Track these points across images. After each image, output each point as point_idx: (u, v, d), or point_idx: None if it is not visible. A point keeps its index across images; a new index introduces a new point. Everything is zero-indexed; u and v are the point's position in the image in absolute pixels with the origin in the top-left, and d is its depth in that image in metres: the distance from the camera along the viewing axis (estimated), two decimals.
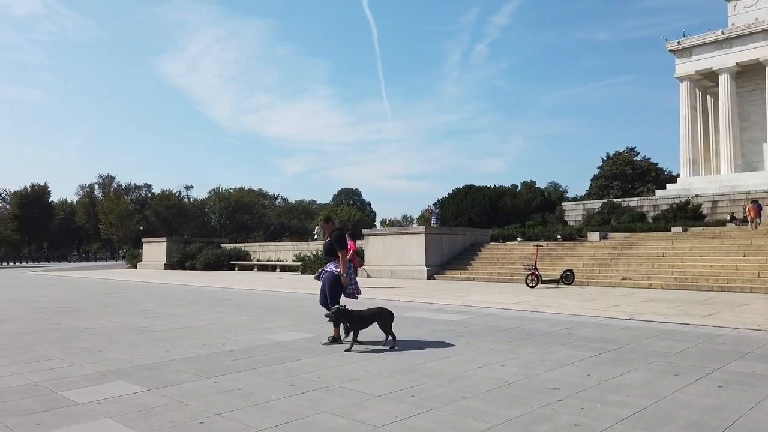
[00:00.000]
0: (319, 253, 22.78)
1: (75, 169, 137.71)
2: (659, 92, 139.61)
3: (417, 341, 7.87)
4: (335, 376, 5.82)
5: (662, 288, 15.81)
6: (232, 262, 33.31)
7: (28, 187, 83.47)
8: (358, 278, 8.51)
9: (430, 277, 21.73)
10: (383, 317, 7.34)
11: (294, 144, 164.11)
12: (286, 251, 32.86)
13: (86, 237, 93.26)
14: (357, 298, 7.99)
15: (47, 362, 6.77)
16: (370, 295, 15.21)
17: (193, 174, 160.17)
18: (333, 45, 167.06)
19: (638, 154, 65.73)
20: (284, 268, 29.79)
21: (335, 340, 7.65)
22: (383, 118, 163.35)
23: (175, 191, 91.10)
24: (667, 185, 43.60)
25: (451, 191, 45.97)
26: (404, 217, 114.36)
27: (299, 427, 4.22)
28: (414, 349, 7.31)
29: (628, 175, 61.40)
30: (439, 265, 22.64)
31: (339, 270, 7.74)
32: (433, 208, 30.04)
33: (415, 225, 68.64)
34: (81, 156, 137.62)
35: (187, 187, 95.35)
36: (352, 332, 7.39)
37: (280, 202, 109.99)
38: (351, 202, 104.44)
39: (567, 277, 17.21)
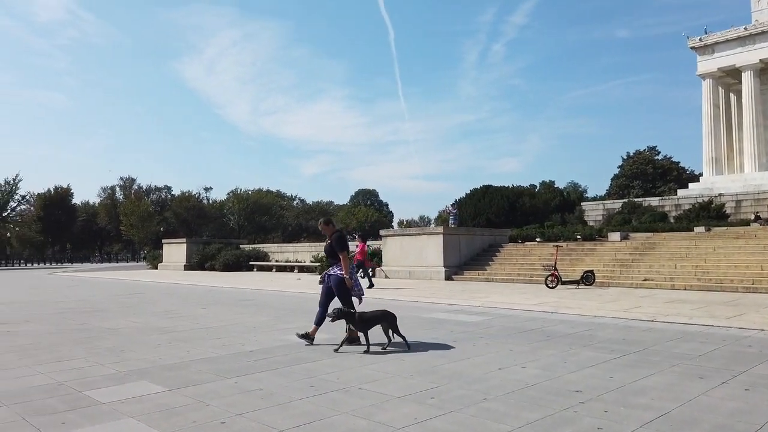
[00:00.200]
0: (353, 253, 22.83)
1: (97, 172, 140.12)
2: (681, 90, 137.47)
3: (436, 342, 7.84)
4: (354, 377, 5.82)
5: (685, 289, 15.56)
6: (250, 263, 33.56)
7: (52, 190, 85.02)
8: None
9: (448, 277, 21.65)
10: (386, 319, 7.29)
11: (311, 145, 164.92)
12: (304, 252, 32.99)
13: (108, 238, 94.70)
14: (361, 299, 7.96)
15: (71, 362, 6.87)
16: (388, 296, 15.22)
17: (212, 175, 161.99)
18: (349, 46, 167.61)
19: (659, 153, 64.89)
20: (302, 269, 29.93)
21: (306, 336, 7.77)
22: (400, 118, 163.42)
23: (194, 193, 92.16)
24: (690, 184, 42.93)
25: (468, 191, 45.76)
26: (421, 218, 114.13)
27: (319, 428, 4.22)
28: (433, 350, 7.28)
29: (649, 175, 60.59)
30: (457, 266, 22.55)
31: (342, 272, 7.72)
32: (450, 208, 29.90)
33: (432, 225, 68.49)
34: (102, 158, 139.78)
35: (206, 189, 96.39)
36: (360, 334, 7.37)
37: (297, 203, 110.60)
38: (368, 202, 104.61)
39: (587, 278, 17.03)
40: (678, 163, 63.66)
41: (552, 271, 16.52)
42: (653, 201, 39.99)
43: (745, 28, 39.17)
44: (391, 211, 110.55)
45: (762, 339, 7.80)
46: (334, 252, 7.81)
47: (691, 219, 30.84)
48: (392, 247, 24.45)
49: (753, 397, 4.85)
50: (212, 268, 34.17)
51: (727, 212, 33.35)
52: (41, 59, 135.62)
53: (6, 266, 61.58)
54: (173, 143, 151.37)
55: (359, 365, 6.39)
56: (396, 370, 6.12)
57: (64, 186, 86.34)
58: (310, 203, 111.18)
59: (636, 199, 41.88)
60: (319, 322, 7.75)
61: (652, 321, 9.68)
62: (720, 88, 42.07)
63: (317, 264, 28.26)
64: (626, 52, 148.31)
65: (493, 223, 37.63)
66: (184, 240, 39.60)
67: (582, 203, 46.07)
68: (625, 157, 64.28)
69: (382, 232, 26.71)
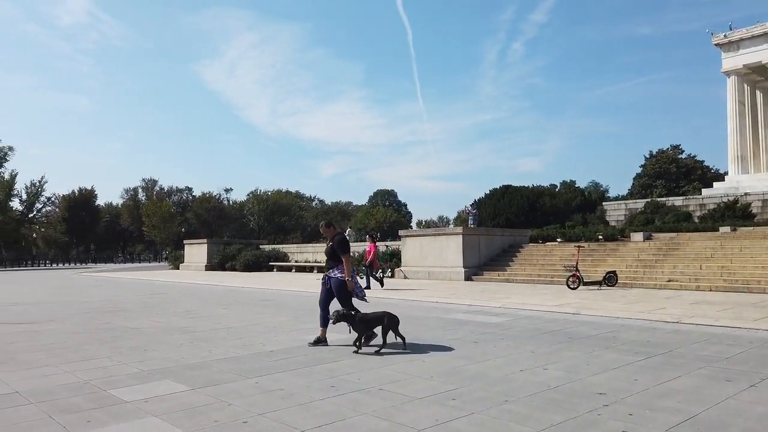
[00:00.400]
0: (356, 255, 22.87)
1: (119, 173, 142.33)
2: (705, 88, 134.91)
3: (456, 343, 7.80)
4: (375, 377, 5.82)
5: (711, 290, 15.28)
6: (270, 263, 33.79)
7: (76, 191, 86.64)
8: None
9: (467, 278, 21.55)
10: (387, 321, 7.26)
11: (329, 146, 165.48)
12: (323, 252, 33.09)
13: (131, 239, 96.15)
14: (366, 300, 7.92)
15: (96, 361, 6.98)
16: (407, 296, 15.20)
17: (232, 177, 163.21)
18: (367, 47, 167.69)
19: (683, 151, 63.70)
20: (322, 270, 29.91)
21: (319, 341, 7.75)
22: (418, 119, 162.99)
23: (215, 194, 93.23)
24: (714, 184, 42.12)
25: (487, 191, 45.48)
26: (440, 218, 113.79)
27: (341, 428, 4.22)
28: (453, 351, 7.25)
29: (673, 174, 59.56)
30: (477, 267, 22.43)
31: (344, 275, 7.70)
32: (470, 208, 29.77)
33: (451, 226, 68.22)
34: (125, 160, 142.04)
35: (227, 190, 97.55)
36: (357, 335, 7.33)
37: (316, 204, 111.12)
38: (387, 203, 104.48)
39: (610, 279, 16.81)
40: (702, 162, 62.49)
41: (573, 272, 16.34)
42: (677, 200, 39.35)
43: None
44: (410, 212, 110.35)
45: None
46: (336, 254, 7.80)
47: (716, 219, 30.25)
48: (411, 248, 24.42)
49: None
50: (233, 269, 34.49)
51: (753, 212, 32.67)
52: (64, 63, 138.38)
53: (32, 266, 62.86)
54: (194, 145, 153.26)
55: (379, 366, 6.38)
56: (416, 371, 6.10)
57: (88, 188, 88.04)
58: (329, 204, 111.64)
59: (659, 199, 41.25)
60: (324, 323, 7.78)
61: (677, 323, 9.51)
62: (745, 86, 41.20)
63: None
64: (648, 50, 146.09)
65: (513, 223, 37.39)
66: (205, 240, 40.03)
67: (603, 203, 45.48)
68: (648, 157, 63.27)
69: (401, 232, 26.70)
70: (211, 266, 36.65)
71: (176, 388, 5.51)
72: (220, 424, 4.34)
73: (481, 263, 22.76)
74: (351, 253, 7.97)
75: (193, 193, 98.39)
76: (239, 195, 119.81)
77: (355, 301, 7.87)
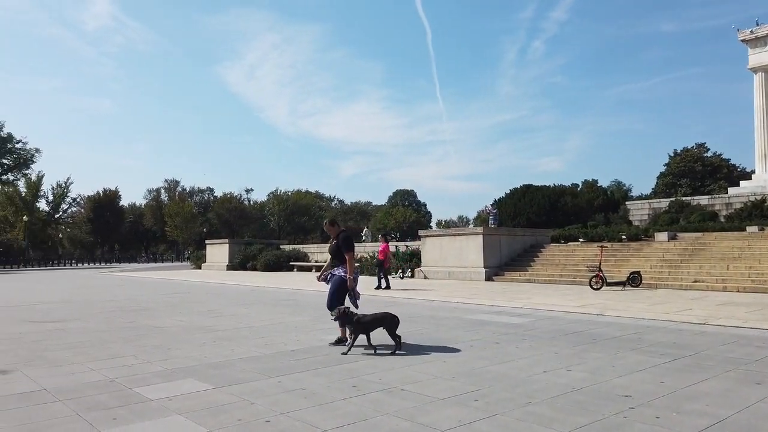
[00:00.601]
0: (375, 254, 22.88)
1: (142, 174, 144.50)
2: (730, 85, 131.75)
3: (478, 344, 7.75)
4: (396, 378, 5.80)
5: (738, 291, 14.97)
6: (290, 263, 34.01)
7: (101, 192, 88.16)
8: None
9: (488, 278, 21.42)
10: (386, 322, 7.19)
11: (349, 146, 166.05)
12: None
13: (153, 239, 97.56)
14: (358, 306, 7.81)
15: (121, 359, 7.08)
16: (427, 297, 15.16)
17: (253, 177, 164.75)
18: (386, 47, 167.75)
19: (708, 150, 62.47)
20: None
21: (340, 341, 7.70)
22: (438, 119, 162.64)
23: (236, 194, 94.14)
24: (741, 182, 41.21)
25: (508, 191, 45.11)
26: (460, 218, 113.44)
27: (363, 428, 4.21)
28: (475, 351, 7.20)
29: (698, 173, 58.49)
30: (498, 267, 22.28)
31: (346, 274, 7.65)
32: (490, 208, 29.57)
33: (471, 226, 67.91)
34: (147, 161, 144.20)
35: (248, 190, 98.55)
36: (353, 335, 7.26)
37: (336, 204, 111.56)
38: (406, 203, 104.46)
39: (634, 279, 16.56)
40: (728, 160, 61.19)
41: (597, 272, 16.14)
42: (702, 200, 38.61)
43: None
44: (430, 212, 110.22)
45: None
46: (340, 252, 7.79)
47: (743, 218, 29.61)
48: (431, 248, 24.34)
49: None
50: (254, 268, 34.78)
51: None
52: (89, 66, 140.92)
53: (58, 266, 64.10)
54: (216, 146, 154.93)
55: (401, 366, 6.36)
56: (438, 371, 6.07)
57: (113, 188, 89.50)
58: (349, 204, 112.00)
59: (684, 198, 40.53)
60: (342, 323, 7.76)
61: (704, 324, 9.33)
62: None
63: (356, 264, 28.37)
64: (671, 47, 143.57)
65: (534, 223, 37.05)
66: (227, 241, 40.45)
67: (626, 202, 44.83)
68: (672, 155, 62.21)
69: (421, 232, 26.63)
70: (232, 266, 36.99)
71: (200, 386, 5.56)
72: (243, 423, 4.37)
73: (502, 263, 22.60)
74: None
75: (215, 194, 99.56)
76: (260, 195, 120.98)
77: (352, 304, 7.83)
